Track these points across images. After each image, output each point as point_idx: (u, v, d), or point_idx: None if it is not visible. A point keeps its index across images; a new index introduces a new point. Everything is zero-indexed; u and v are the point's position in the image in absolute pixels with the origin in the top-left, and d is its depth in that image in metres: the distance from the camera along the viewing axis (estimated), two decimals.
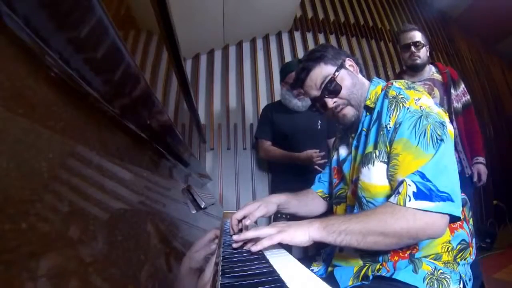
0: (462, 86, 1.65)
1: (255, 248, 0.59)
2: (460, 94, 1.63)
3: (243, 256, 0.60)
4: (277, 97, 2.12)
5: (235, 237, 0.64)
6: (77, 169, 0.21)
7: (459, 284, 0.63)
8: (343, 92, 0.76)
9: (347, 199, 0.83)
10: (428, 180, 0.57)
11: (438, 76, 1.62)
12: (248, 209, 0.77)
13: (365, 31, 3.05)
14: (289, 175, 1.73)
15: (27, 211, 0.15)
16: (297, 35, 2.75)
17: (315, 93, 0.79)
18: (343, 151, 0.90)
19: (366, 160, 0.72)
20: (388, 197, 0.66)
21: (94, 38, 0.23)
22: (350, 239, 0.58)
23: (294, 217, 0.88)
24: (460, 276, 0.64)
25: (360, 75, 0.83)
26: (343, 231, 0.58)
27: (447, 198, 0.56)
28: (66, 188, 0.19)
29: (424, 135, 0.62)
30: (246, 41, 2.59)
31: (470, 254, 0.68)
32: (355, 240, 0.58)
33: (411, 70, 1.64)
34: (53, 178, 0.18)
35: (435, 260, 0.65)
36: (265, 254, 0.61)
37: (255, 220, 0.78)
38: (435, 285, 0.59)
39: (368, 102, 0.77)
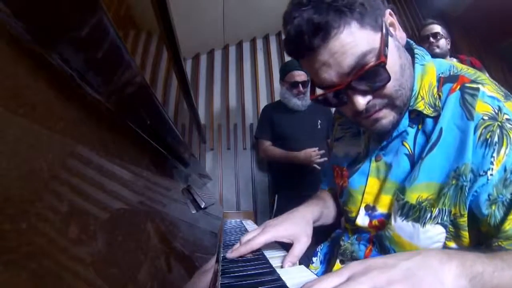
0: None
1: None
2: None
3: (243, 256, 0.60)
4: (277, 97, 2.12)
5: None
6: (77, 169, 0.21)
7: None
8: (389, 85, 0.45)
9: (358, 224, 0.63)
10: None
11: None
12: (273, 235, 0.56)
13: None
14: (289, 175, 1.73)
15: (27, 211, 0.15)
16: None
17: (337, 76, 0.44)
18: (349, 150, 0.66)
19: (410, 212, 0.51)
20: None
21: (94, 38, 0.23)
22: None
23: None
24: None
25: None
26: (495, 286, 0.38)
27: None
28: (66, 188, 0.19)
29: None
30: (246, 41, 2.60)
31: None
32: None
33: None
34: (53, 178, 0.18)
35: None
36: (265, 254, 0.61)
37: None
38: None
39: (420, 106, 0.48)
